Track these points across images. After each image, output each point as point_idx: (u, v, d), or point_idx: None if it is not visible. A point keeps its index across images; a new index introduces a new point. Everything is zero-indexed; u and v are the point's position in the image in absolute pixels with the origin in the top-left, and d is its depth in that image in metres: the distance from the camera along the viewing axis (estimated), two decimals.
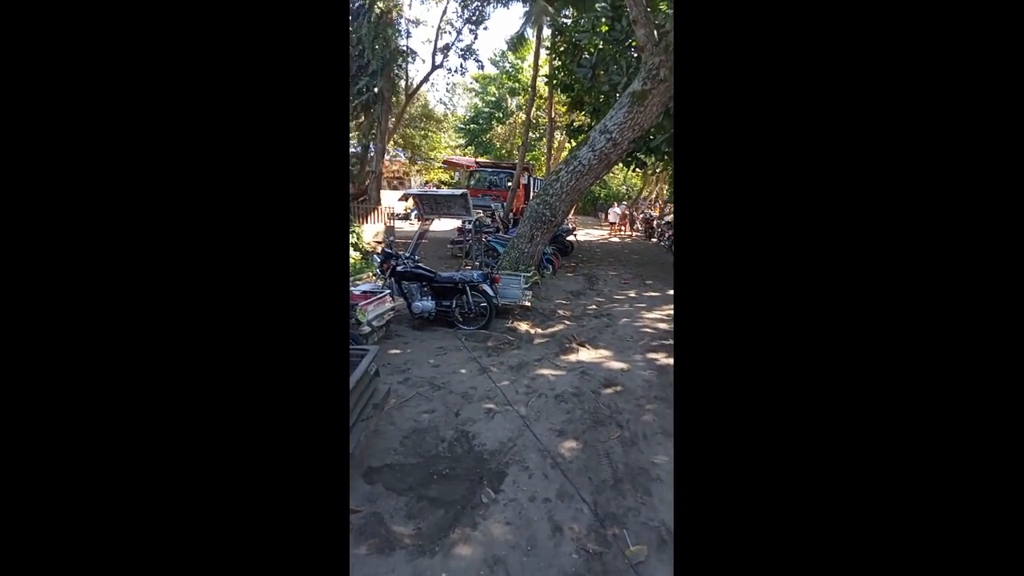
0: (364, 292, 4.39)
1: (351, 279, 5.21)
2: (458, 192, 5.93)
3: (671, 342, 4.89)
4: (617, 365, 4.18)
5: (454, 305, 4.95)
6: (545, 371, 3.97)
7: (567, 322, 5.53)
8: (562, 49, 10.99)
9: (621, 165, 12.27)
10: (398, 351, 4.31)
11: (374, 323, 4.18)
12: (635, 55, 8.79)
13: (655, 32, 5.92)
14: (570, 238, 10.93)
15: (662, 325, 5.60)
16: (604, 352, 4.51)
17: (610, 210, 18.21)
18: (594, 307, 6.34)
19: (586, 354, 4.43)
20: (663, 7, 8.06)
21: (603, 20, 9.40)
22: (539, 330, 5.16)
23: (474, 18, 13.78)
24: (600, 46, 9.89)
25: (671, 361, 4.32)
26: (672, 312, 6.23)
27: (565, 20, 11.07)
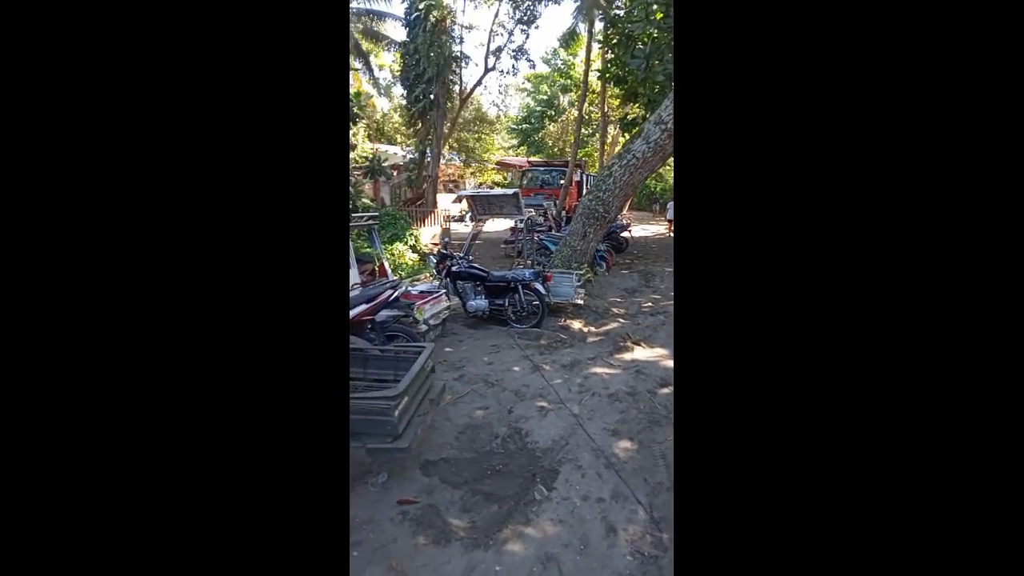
0: (421, 292, 4.56)
1: (409, 280, 5.43)
2: (509, 192, 5.99)
3: None
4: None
5: (507, 304, 5.00)
6: (599, 369, 3.91)
7: (621, 320, 5.40)
8: (615, 41, 10.72)
9: None
10: (453, 349, 4.42)
11: (430, 321, 4.33)
12: None
13: None
14: (624, 234, 10.65)
15: None
16: (660, 351, 4.36)
17: (668, 205, 17.50)
18: (650, 304, 6.14)
19: (641, 352, 4.31)
20: None
21: (657, 7, 9.06)
22: (592, 328, 5.09)
23: (525, 18, 13.82)
24: (655, 35, 9.54)
25: None
26: None
27: (617, 11, 10.81)
